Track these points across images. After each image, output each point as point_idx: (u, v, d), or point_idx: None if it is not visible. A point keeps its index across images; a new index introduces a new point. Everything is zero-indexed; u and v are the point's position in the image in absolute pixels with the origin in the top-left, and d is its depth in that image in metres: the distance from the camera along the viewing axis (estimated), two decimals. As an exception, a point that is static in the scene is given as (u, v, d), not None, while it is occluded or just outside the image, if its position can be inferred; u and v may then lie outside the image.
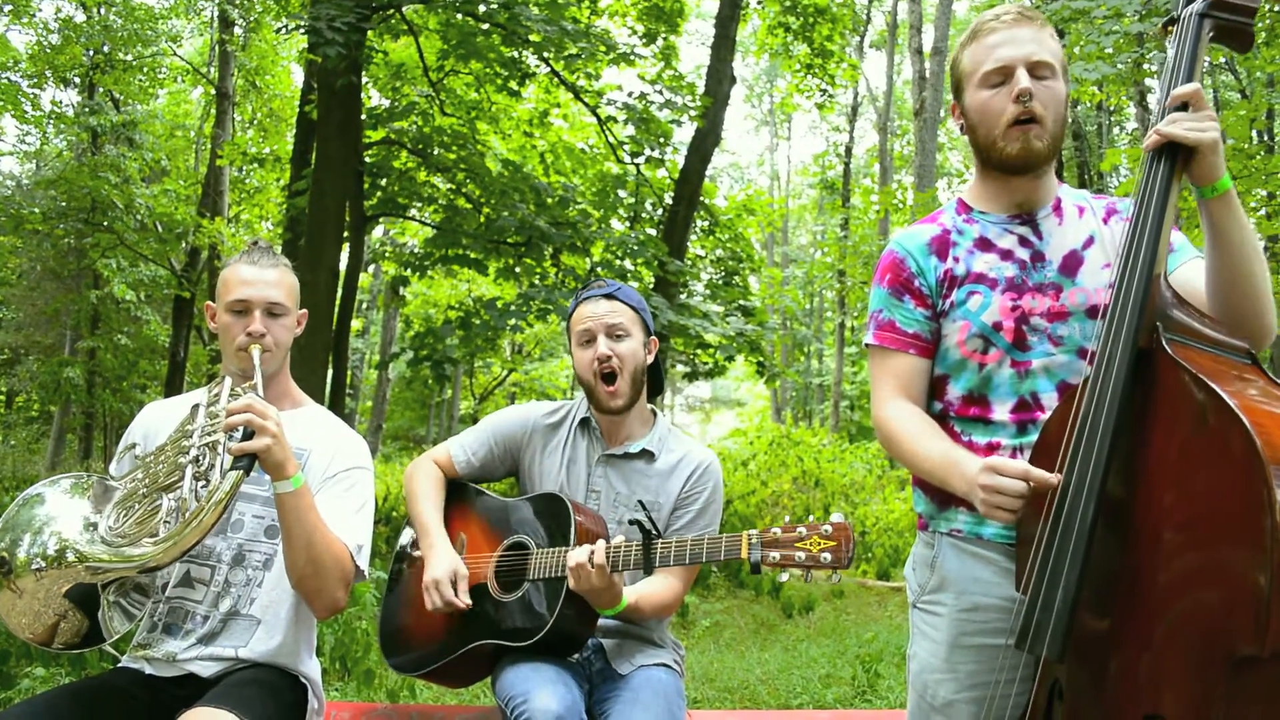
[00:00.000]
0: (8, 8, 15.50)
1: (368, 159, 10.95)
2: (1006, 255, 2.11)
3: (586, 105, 11.91)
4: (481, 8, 10.01)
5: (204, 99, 22.35)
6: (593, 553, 2.33)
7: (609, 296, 2.77)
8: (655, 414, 2.90)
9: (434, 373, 9.85)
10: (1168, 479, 1.63)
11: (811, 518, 2.18)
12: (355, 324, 25.52)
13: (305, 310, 2.71)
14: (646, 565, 2.34)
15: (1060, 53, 2.07)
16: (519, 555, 2.61)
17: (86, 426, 21.61)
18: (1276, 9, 7.94)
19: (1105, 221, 2.13)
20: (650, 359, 2.83)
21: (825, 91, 16.70)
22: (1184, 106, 1.81)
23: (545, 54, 10.47)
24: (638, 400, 2.78)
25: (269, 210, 20.59)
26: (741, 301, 12.04)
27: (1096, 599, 1.71)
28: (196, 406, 2.42)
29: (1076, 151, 21.55)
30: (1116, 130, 25.51)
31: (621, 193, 12.12)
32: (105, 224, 15.67)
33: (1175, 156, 1.81)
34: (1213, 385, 1.55)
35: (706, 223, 13.04)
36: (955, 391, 2.12)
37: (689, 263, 12.11)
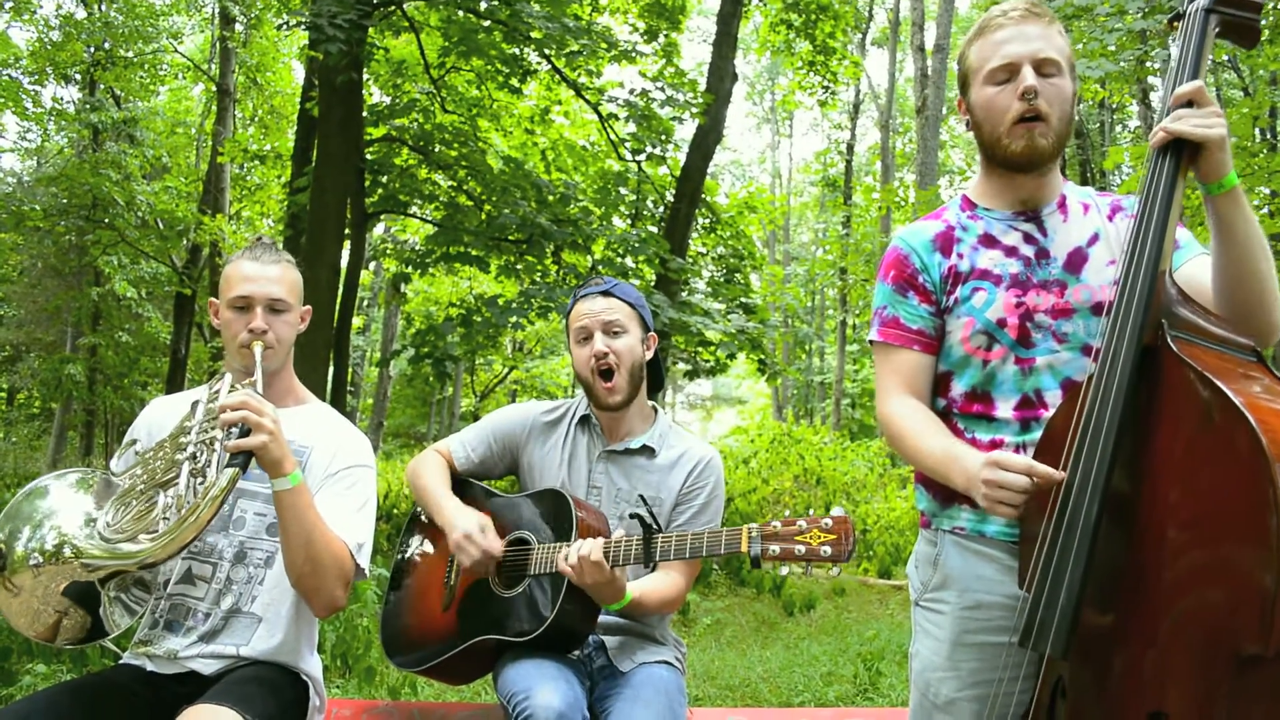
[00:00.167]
0: (9, 4, 15.49)
1: (369, 156, 10.95)
2: (1011, 252, 2.10)
3: (588, 102, 11.90)
4: (483, 4, 10.00)
5: (205, 96, 22.36)
6: (587, 548, 2.32)
7: (606, 294, 2.77)
8: (656, 410, 2.90)
9: (435, 370, 9.85)
10: (1173, 476, 1.62)
11: (811, 512, 2.18)
12: (356, 321, 25.54)
13: (309, 306, 2.70)
14: (647, 559, 2.33)
15: (1068, 49, 2.06)
16: (520, 551, 2.60)
17: (88, 424, 21.62)
18: None
19: (1110, 218, 2.13)
20: (649, 355, 2.82)
21: (827, 89, 16.67)
22: (1189, 104, 1.81)
23: (547, 51, 10.45)
24: (636, 396, 2.78)
25: (270, 207, 20.58)
26: (743, 299, 12.03)
27: (1100, 596, 1.71)
28: (196, 403, 2.42)
29: (1079, 149, 21.54)
30: (1119, 128, 25.50)
31: (623, 190, 12.11)
32: (106, 221, 15.69)
33: (1180, 153, 1.81)
34: (1218, 383, 1.55)
35: (708, 220, 13.04)
36: (959, 388, 2.12)
37: (690, 260, 12.11)
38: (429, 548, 2.88)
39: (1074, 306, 2.04)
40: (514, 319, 9.35)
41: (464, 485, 2.89)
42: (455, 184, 11.57)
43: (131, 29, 17.22)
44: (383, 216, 13.46)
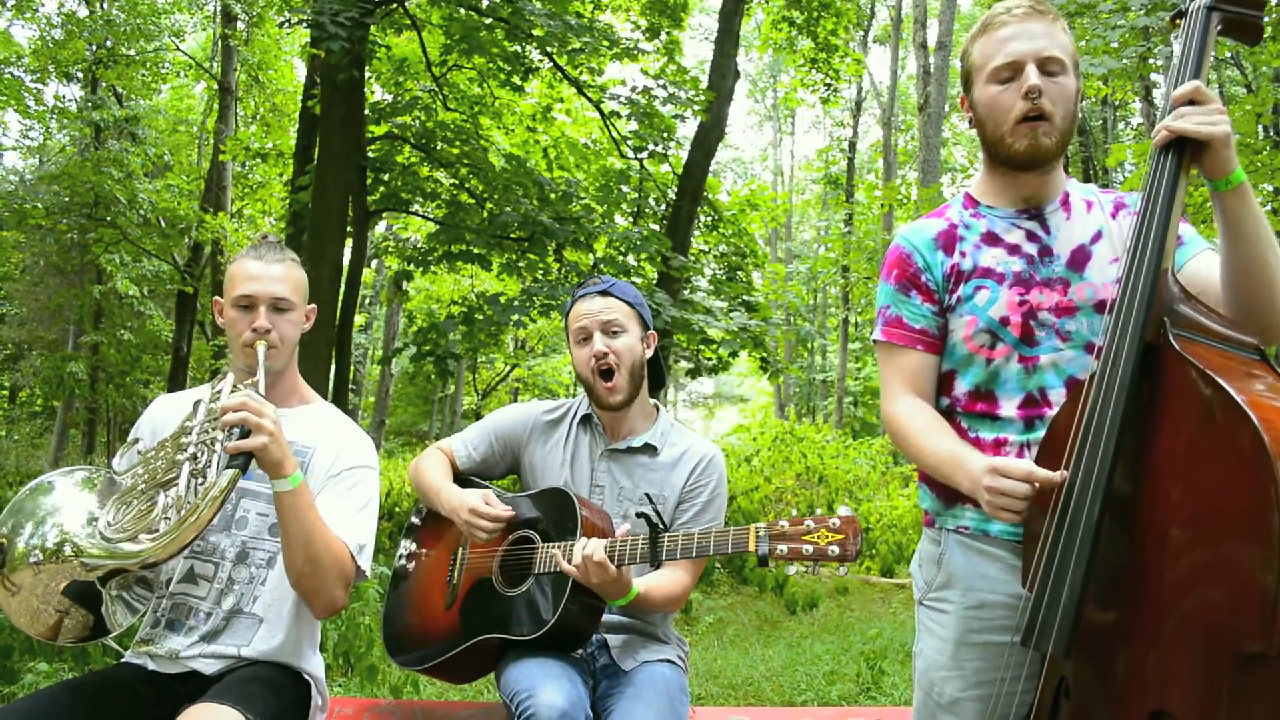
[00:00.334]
0: (11, 2, 15.49)
1: (371, 154, 10.94)
2: (1014, 250, 2.09)
3: (590, 100, 11.89)
4: (485, 2, 10.00)
5: (207, 94, 22.38)
6: (591, 548, 2.32)
7: (604, 293, 2.78)
8: (657, 409, 2.90)
9: (437, 368, 9.85)
10: (1175, 475, 1.62)
11: (818, 512, 2.18)
12: (358, 319, 25.53)
13: (314, 305, 2.69)
14: (653, 559, 2.34)
15: (1072, 47, 2.05)
16: (524, 550, 2.60)
17: (90, 422, 21.66)
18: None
19: (1113, 216, 2.12)
20: (649, 353, 2.82)
21: (829, 86, 16.66)
22: (1191, 102, 1.80)
23: (548, 49, 10.45)
24: (638, 395, 2.78)
25: (272, 205, 20.60)
26: (745, 297, 12.02)
27: (1103, 595, 1.71)
28: (198, 403, 2.41)
29: (1081, 147, 21.53)
30: (1122, 125, 25.48)
31: (625, 188, 12.11)
32: (108, 219, 15.70)
33: (1183, 151, 1.80)
34: (1220, 381, 1.54)
35: (710, 218, 13.03)
36: (962, 387, 2.11)
37: (692, 258, 12.10)
38: (432, 546, 2.88)
39: (1077, 304, 2.03)
40: (516, 317, 9.34)
41: (465, 484, 2.89)
42: (457, 182, 11.57)
43: (133, 27, 17.22)
44: (385, 214, 13.46)
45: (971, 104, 2.12)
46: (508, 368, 29.86)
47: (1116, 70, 8.19)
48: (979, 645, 2.06)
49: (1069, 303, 2.03)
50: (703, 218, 12.77)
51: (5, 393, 28.03)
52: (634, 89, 11.20)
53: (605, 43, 10.15)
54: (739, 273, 12.90)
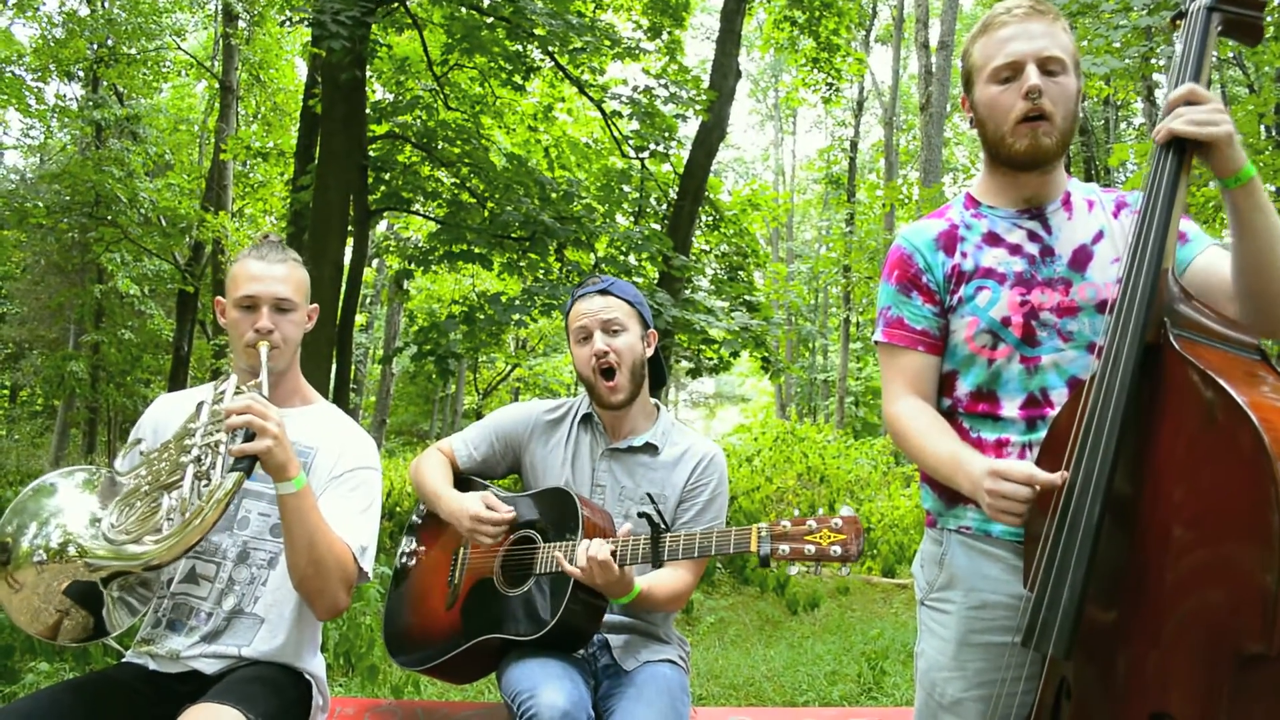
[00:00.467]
0: (12, 1, 15.50)
1: (372, 153, 10.93)
2: (1015, 250, 2.09)
3: (591, 99, 11.88)
4: (486, 1, 9.99)
5: (208, 93, 22.40)
6: (594, 549, 2.32)
7: (603, 292, 2.78)
8: (658, 408, 2.90)
9: (438, 368, 9.84)
10: (1176, 475, 1.62)
11: (819, 512, 2.18)
12: (359, 319, 25.53)
13: (316, 305, 2.69)
14: (655, 559, 2.34)
15: (1072, 47, 2.05)
16: (525, 550, 2.60)
17: (90, 421, 21.67)
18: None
19: (1115, 215, 2.12)
20: (649, 352, 2.83)
21: (831, 85, 16.65)
22: (1189, 103, 1.80)
23: (550, 48, 10.44)
24: (639, 393, 2.78)
25: (273, 204, 20.61)
26: (746, 297, 12.02)
27: (1104, 596, 1.71)
28: (201, 404, 2.41)
29: (1083, 147, 21.51)
30: (1124, 125, 25.46)
31: (626, 187, 12.10)
32: (109, 218, 15.70)
33: (1183, 151, 1.80)
34: (1220, 381, 1.54)
35: (711, 218, 13.02)
36: (964, 387, 2.11)
37: (694, 258, 12.09)
38: (433, 546, 2.88)
39: (1079, 304, 2.03)
40: (517, 316, 9.34)
41: (466, 484, 2.89)
42: (458, 181, 11.57)
43: (134, 26, 17.24)
44: (386, 214, 13.46)
45: (972, 104, 2.12)
46: (509, 367, 29.87)
47: (1119, 70, 8.19)
48: (981, 646, 2.06)
49: (1070, 303, 2.03)
50: (704, 217, 12.77)
51: (6, 392, 28.05)
52: (635, 88, 11.20)
53: (607, 42, 10.15)
54: (740, 272, 12.89)
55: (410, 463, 3.06)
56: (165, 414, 2.60)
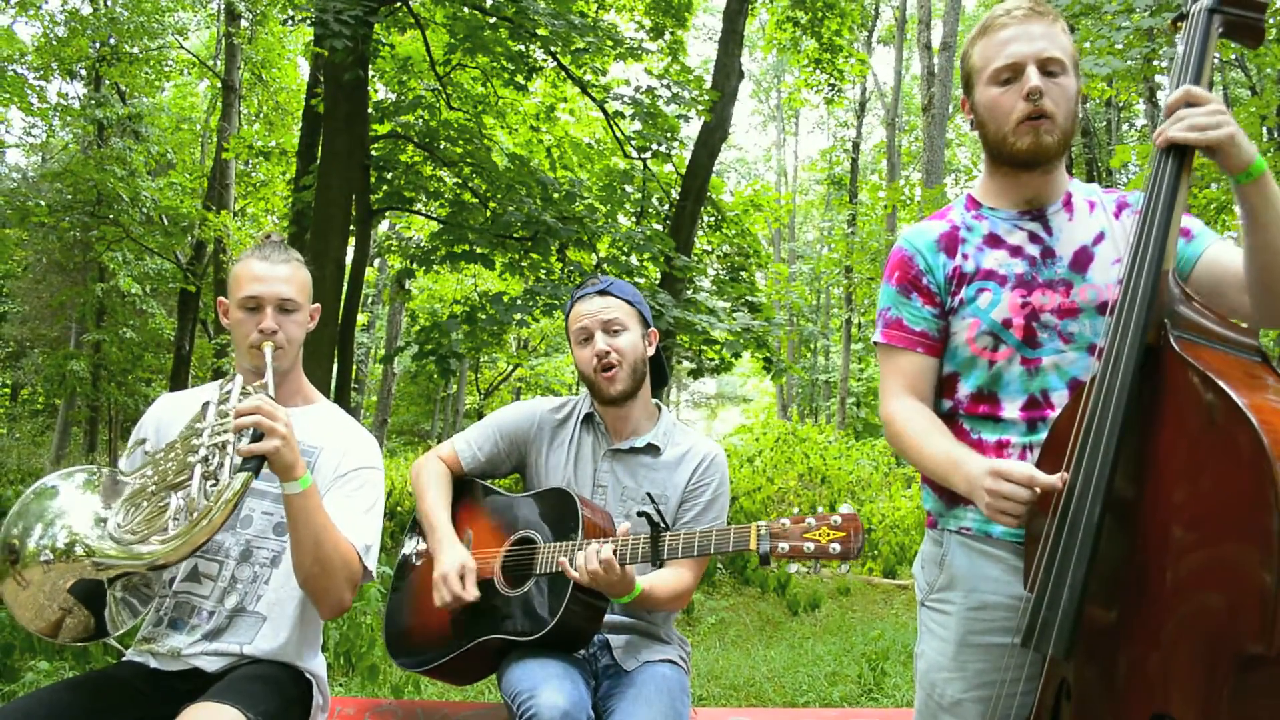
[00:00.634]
0: (14, 0, 15.51)
1: (374, 153, 10.93)
2: (1016, 252, 2.09)
3: (593, 100, 11.87)
4: (489, 1, 9.99)
5: (210, 92, 22.43)
6: (598, 552, 2.32)
7: (603, 293, 2.79)
8: (659, 408, 2.90)
9: (439, 368, 9.84)
10: (1176, 477, 1.62)
11: (820, 509, 2.18)
12: (361, 318, 25.54)
13: (318, 305, 2.70)
14: (655, 558, 2.34)
15: (1071, 48, 2.05)
16: (526, 550, 2.60)
17: (91, 420, 21.70)
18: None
19: (1116, 216, 2.12)
20: (650, 351, 2.83)
21: (833, 86, 16.65)
22: (1189, 105, 1.80)
23: (552, 48, 10.44)
24: (639, 390, 2.78)
25: (275, 204, 20.62)
26: (748, 297, 12.01)
27: (1104, 597, 1.71)
28: (207, 404, 2.42)
29: (1085, 148, 21.50)
30: (1126, 126, 25.45)
31: (628, 188, 12.09)
32: (111, 217, 15.71)
33: (1184, 154, 1.80)
34: (1221, 384, 1.54)
35: (713, 218, 13.01)
36: (965, 389, 2.11)
37: (695, 258, 12.09)
38: (433, 547, 2.88)
39: (1080, 306, 2.03)
40: (518, 316, 9.34)
41: (468, 485, 2.89)
42: (460, 181, 11.57)
43: (137, 25, 17.23)
44: (388, 213, 13.44)
45: (972, 106, 2.12)
46: (510, 367, 29.85)
47: (1121, 71, 8.18)
48: (981, 646, 2.06)
49: (1071, 304, 2.03)
50: (706, 218, 12.76)
51: (7, 390, 28.08)
52: (638, 89, 11.19)
53: (609, 42, 10.14)
54: (742, 273, 12.88)
55: (412, 464, 3.05)
56: (167, 414, 2.61)
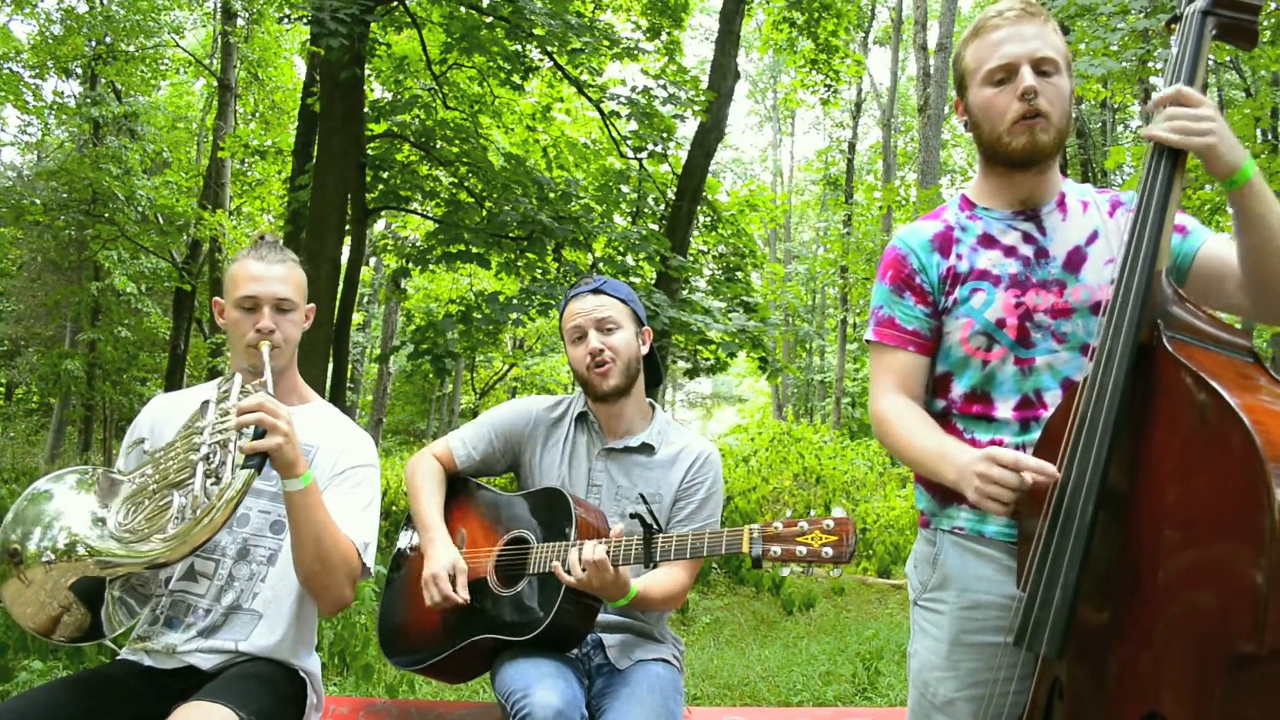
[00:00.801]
0: (10, -2, 15.48)
1: (370, 152, 10.92)
2: (1010, 252, 2.10)
3: (590, 99, 11.86)
4: (485, 1, 9.99)
5: (206, 91, 22.37)
6: (589, 551, 2.32)
7: (596, 291, 2.79)
8: (653, 407, 2.90)
9: (434, 367, 9.83)
10: (1168, 476, 1.63)
11: (813, 513, 2.18)
12: (356, 318, 25.53)
13: (313, 304, 2.71)
14: (647, 560, 2.34)
15: (1064, 48, 2.05)
16: (519, 550, 2.60)
17: (86, 419, 21.66)
18: (1281, 7, 7.92)
19: (1110, 215, 2.13)
20: (644, 349, 2.83)
21: (829, 87, 16.65)
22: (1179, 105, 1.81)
23: (549, 48, 10.43)
24: (633, 387, 2.79)
25: (270, 203, 20.58)
26: (743, 297, 12.02)
27: (1096, 596, 1.71)
28: (206, 403, 2.43)
29: (1080, 149, 21.54)
30: (1121, 128, 25.48)
31: (624, 188, 12.09)
32: (106, 216, 15.69)
33: (1177, 154, 1.81)
34: (1213, 383, 1.55)
35: (709, 218, 13.01)
36: (958, 389, 2.12)
37: (691, 258, 12.08)
38: (428, 546, 2.88)
39: (1073, 306, 2.04)
40: (514, 316, 9.34)
41: (462, 484, 2.89)
42: (456, 180, 11.55)
43: (133, 23, 17.20)
44: (383, 212, 13.43)
45: (966, 107, 2.12)
46: (506, 367, 29.82)
47: (1116, 72, 8.20)
48: (974, 646, 2.06)
49: (1065, 304, 2.04)
50: (702, 218, 12.76)
51: (2, 389, 28.03)
52: (634, 89, 11.18)
53: (606, 42, 10.14)
54: (738, 273, 12.88)
55: (407, 462, 3.05)
56: (162, 414, 2.62)
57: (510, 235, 10.25)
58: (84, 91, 18.39)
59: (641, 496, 2.50)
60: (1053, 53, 2.01)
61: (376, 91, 13.28)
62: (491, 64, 11.12)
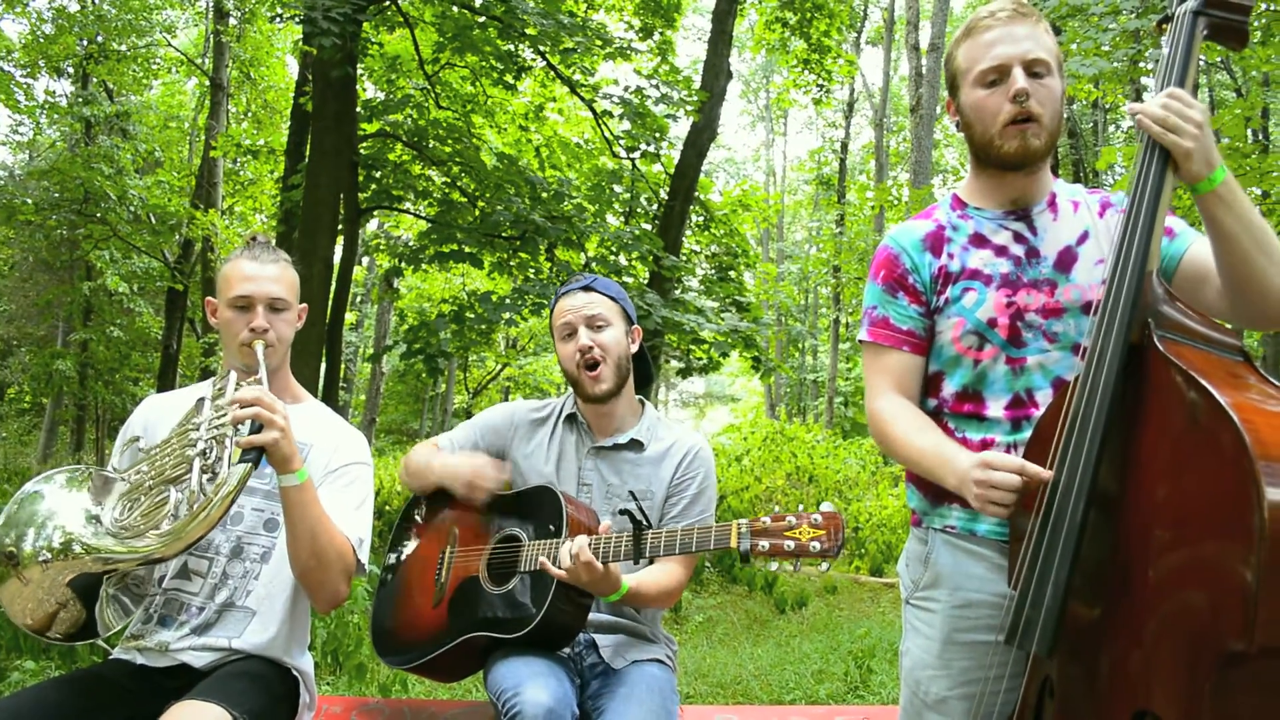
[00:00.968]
0: (1, -3, 15.44)
1: (363, 151, 10.92)
2: (1001, 251, 2.10)
3: (582, 99, 11.87)
4: (478, 0, 9.98)
5: (198, 90, 22.34)
6: (576, 548, 2.32)
7: (586, 289, 2.79)
8: (644, 404, 2.90)
9: (427, 366, 9.83)
10: (1159, 475, 1.63)
11: (801, 507, 2.18)
12: (349, 317, 25.49)
13: (305, 304, 2.71)
14: (636, 556, 2.34)
15: (1055, 49, 2.06)
16: (510, 548, 2.61)
17: (78, 419, 21.63)
18: (1273, 7, 7.94)
19: (1100, 215, 2.13)
20: (634, 347, 2.83)
21: (822, 87, 16.67)
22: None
23: (541, 47, 10.44)
24: (623, 387, 2.78)
25: (263, 202, 20.56)
26: (736, 297, 12.03)
27: (1087, 595, 1.72)
28: (202, 400, 2.43)
29: (1072, 149, 21.56)
30: (1112, 128, 25.52)
31: (617, 187, 12.10)
32: (98, 215, 15.66)
33: (1169, 154, 1.81)
34: (1203, 382, 1.55)
35: (702, 218, 13.02)
36: (950, 388, 2.12)
37: (684, 258, 12.10)
38: (420, 545, 2.88)
39: (1064, 306, 2.04)
40: (507, 315, 9.35)
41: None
42: (449, 180, 11.55)
43: (125, 22, 17.16)
44: (376, 212, 13.42)
45: (958, 108, 2.13)
46: (499, 366, 29.80)
47: (1107, 72, 8.22)
48: (965, 644, 2.07)
49: (1056, 304, 2.04)
50: (694, 218, 12.77)
51: (-6, 389, 27.93)
52: (626, 89, 11.19)
53: (598, 42, 10.15)
54: (730, 273, 12.90)
55: (400, 461, 3.07)
56: (155, 414, 2.62)
57: (503, 235, 10.25)
58: (76, 91, 18.36)
59: (631, 494, 2.51)
60: (1044, 54, 2.01)
61: (369, 91, 13.28)
62: (484, 63, 11.12)
